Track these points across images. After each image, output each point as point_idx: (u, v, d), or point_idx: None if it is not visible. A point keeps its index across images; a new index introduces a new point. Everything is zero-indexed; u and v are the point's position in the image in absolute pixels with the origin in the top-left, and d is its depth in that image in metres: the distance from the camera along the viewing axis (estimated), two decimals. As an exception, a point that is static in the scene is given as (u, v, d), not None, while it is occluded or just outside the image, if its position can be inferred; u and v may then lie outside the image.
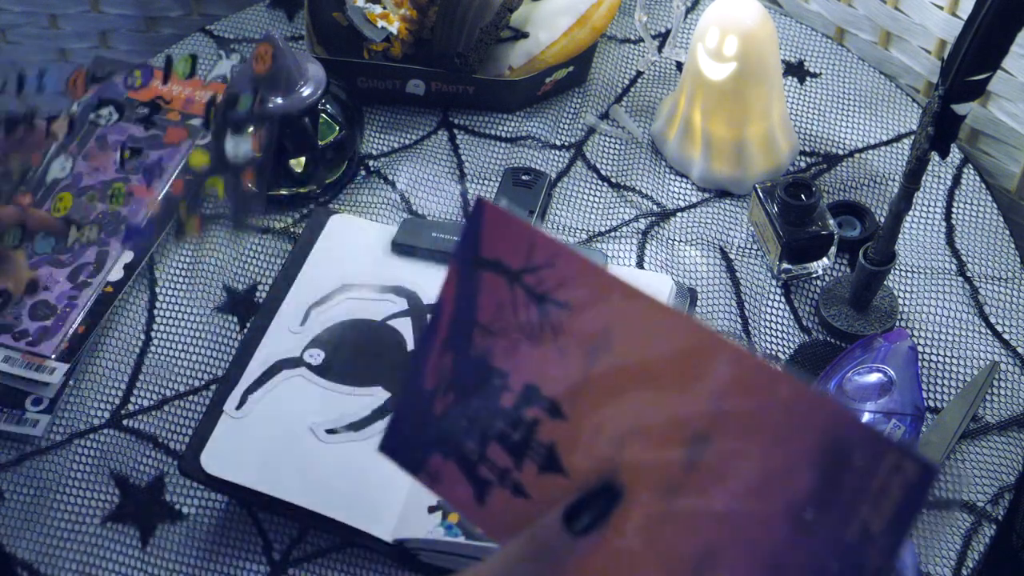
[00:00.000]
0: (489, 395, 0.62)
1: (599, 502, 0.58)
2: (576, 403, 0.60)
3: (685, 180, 1.11)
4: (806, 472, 0.54)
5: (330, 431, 0.91)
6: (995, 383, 0.97)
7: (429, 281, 0.98)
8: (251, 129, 0.81)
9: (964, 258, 1.05)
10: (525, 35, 1.14)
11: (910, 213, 0.96)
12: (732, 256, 1.05)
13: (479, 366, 0.62)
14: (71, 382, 1.00)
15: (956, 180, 1.10)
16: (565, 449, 0.60)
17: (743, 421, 0.56)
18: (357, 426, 0.92)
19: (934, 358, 0.99)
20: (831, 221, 1.01)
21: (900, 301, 1.02)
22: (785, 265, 1.02)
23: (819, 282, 1.04)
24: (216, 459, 0.90)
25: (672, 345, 0.57)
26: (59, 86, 0.88)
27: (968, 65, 0.81)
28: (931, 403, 0.96)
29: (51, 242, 0.83)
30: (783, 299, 1.03)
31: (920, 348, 0.99)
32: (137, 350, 1.02)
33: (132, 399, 0.99)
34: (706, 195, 1.10)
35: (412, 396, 0.65)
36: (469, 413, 0.63)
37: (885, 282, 0.99)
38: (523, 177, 1.09)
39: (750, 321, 1.01)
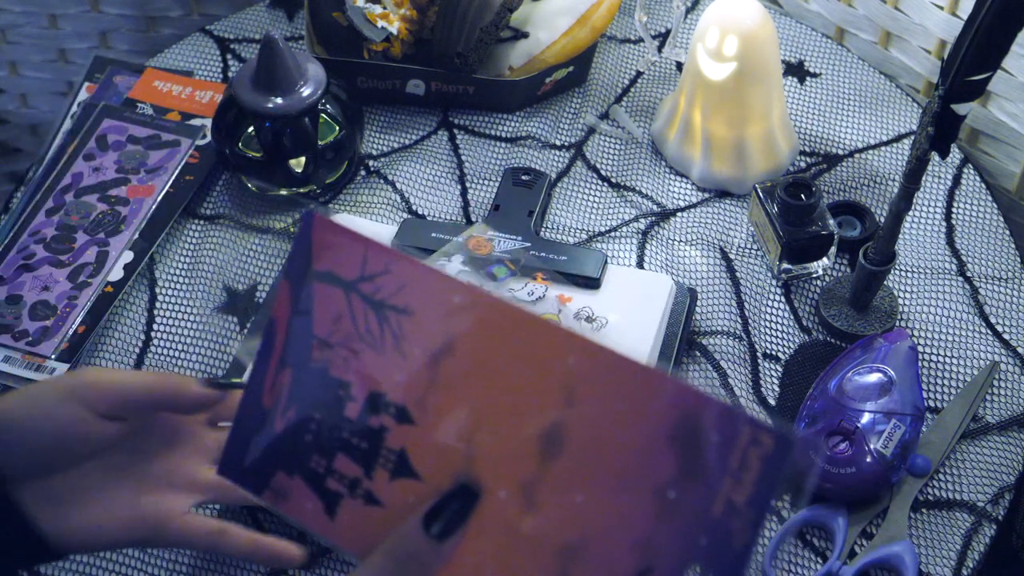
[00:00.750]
0: (332, 407, 0.61)
1: (456, 504, 0.58)
2: (424, 406, 0.59)
3: (685, 180, 1.11)
4: (664, 454, 0.54)
5: None
6: (995, 383, 0.97)
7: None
8: None
9: (964, 258, 1.05)
10: (525, 35, 1.14)
11: (910, 213, 0.96)
12: (732, 256, 1.05)
13: (320, 379, 0.62)
14: (71, 382, 0.99)
15: (956, 180, 1.10)
16: (416, 453, 0.59)
17: (596, 411, 0.56)
18: None
19: (934, 358, 0.99)
20: (831, 221, 1.01)
21: (900, 301, 1.01)
22: (785, 265, 1.02)
23: (819, 282, 1.03)
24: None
25: (519, 341, 0.57)
26: None
27: (968, 65, 0.81)
28: (931, 403, 0.96)
29: None
30: (783, 299, 1.03)
31: (920, 348, 0.99)
32: (137, 350, 1.02)
33: (132, 399, 0.99)
34: (706, 195, 1.10)
35: (250, 416, 0.64)
36: (312, 427, 0.62)
37: (885, 282, 0.99)
38: (523, 177, 1.09)
39: (750, 321, 1.01)
